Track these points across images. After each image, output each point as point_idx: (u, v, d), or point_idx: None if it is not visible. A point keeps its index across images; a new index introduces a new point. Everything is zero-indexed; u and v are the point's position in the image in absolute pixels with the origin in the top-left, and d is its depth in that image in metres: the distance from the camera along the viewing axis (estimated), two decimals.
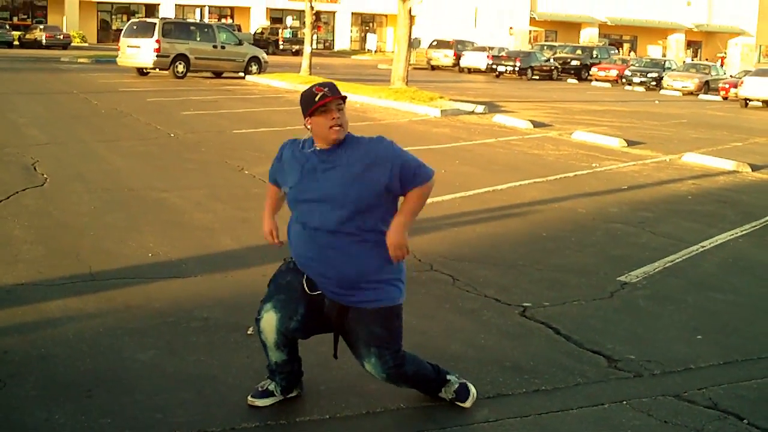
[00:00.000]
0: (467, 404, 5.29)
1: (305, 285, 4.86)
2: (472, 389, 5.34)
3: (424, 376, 5.16)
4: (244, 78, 34.61)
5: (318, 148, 4.79)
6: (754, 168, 16.78)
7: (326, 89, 4.72)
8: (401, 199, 4.80)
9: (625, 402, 5.53)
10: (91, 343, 5.99)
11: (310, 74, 34.19)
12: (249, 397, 5.14)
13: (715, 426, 5.24)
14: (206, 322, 6.53)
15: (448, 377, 5.29)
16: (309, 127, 4.79)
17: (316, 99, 4.69)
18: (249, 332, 6.27)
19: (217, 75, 34.89)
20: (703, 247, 9.99)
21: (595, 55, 57.87)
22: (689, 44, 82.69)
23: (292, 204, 4.88)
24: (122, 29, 36.52)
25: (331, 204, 4.70)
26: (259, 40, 60.20)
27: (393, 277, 4.85)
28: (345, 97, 4.79)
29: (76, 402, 5.04)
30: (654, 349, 6.60)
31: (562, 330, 6.83)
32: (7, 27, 56.87)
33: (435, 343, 6.12)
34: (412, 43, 33.55)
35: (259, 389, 5.17)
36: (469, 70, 55.41)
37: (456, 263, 8.56)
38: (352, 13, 79.48)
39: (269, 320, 4.90)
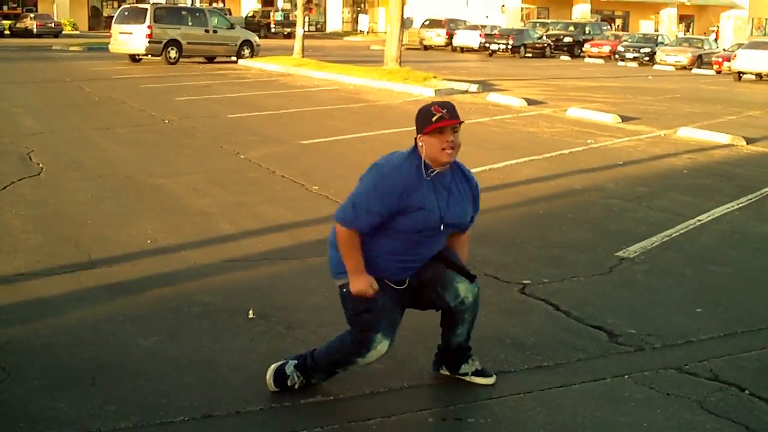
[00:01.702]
0: (491, 381, 5.34)
1: (394, 286, 4.91)
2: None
3: None
4: (236, 62, 34.52)
5: (435, 171, 4.76)
6: (749, 141, 16.80)
7: (445, 111, 4.63)
8: None
9: (627, 376, 5.56)
10: (94, 330, 6.01)
11: (303, 57, 34.10)
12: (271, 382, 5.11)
13: (717, 397, 5.26)
14: (207, 307, 6.54)
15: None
16: (420, 144, 4.71)
17: (433, 120, 4.61)
18: (250, 316, 6.29)
19: (210, 60, 34.83)
20: (700, 220, 10.02)
21: (587, 32, 57.76)
22: (681, 18, 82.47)
23: (422, 228, 4.79)
24: (113, 16, 36.41)
25: (457, 223, 4.97)
26: (250, 24, 60.12)
27: None
28: (462, 122, 4.71)
29: (80, 390, 5.06)
30: (654, 322, 6.63)
31: (562, 306, 6.85)
32: None
33: (436, 322, 6.12)
34: (405, 23, 33.42)
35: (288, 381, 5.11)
36: (462, 49, 55.23)
37: None
38: None
39: (382, 349, 4.85)
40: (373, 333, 4.80)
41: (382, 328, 4.80)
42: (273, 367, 5.13)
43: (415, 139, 4.75)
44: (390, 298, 4.84)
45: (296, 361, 5.10)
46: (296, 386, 5.07)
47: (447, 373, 5.40)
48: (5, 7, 65.54)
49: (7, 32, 55.10)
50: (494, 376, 5.36)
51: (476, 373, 5.33)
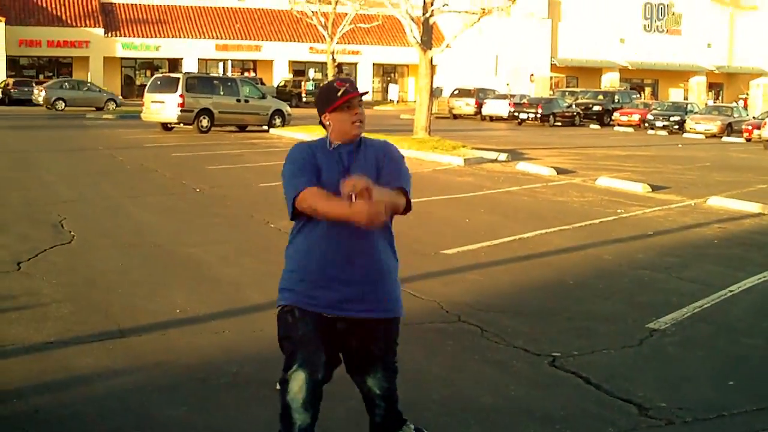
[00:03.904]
0: None
1: (323, 314, 4.68)
2: None
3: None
4: (268, 131, 34.74)
5: (339, 144, 4.68)
6: None
7: (347, 84, 4.65)
8: None
9: None
10: (122, 400, 6.01)
11: None
12: None
13: None
14: (236, 378, 6.53)
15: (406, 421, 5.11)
16: (327, 123, 4.71)
17: (339, 94, 4.61)
18: (278, 387, 6.26)
19: (241, 129, 35.09)
20: (731, 291, 9.93)
21: (616, 100, 57.85)
22: (711, 86, 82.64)
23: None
24: (146, 84, 36.90)
25: None
26: (282, 93, 60.57)
27: (399, 286, 4.81)
28: (366, 92, 4.73)
29: None
30: (685, 396, 6.56)
31: (593, 379, 6.78)
32: (34, 85, 57.29)
33: (464, 394, 6.10)
34: (434, 93, 33.68)
35: None
36: (491, 118, 55.44)
37: (484, 314, 8.54)
38: (374, 64, 79.75)
39: (297, 379, 4.76)
40: (289, 362, 4.75)
41: (297, 358, 4.70)
42: None
43: (320, 121, 4.75)
44: (312, 331, 4.70)
45: None
46: None
47: None
48: (41, 76, 66.63)
49: None
50: None
51: None
